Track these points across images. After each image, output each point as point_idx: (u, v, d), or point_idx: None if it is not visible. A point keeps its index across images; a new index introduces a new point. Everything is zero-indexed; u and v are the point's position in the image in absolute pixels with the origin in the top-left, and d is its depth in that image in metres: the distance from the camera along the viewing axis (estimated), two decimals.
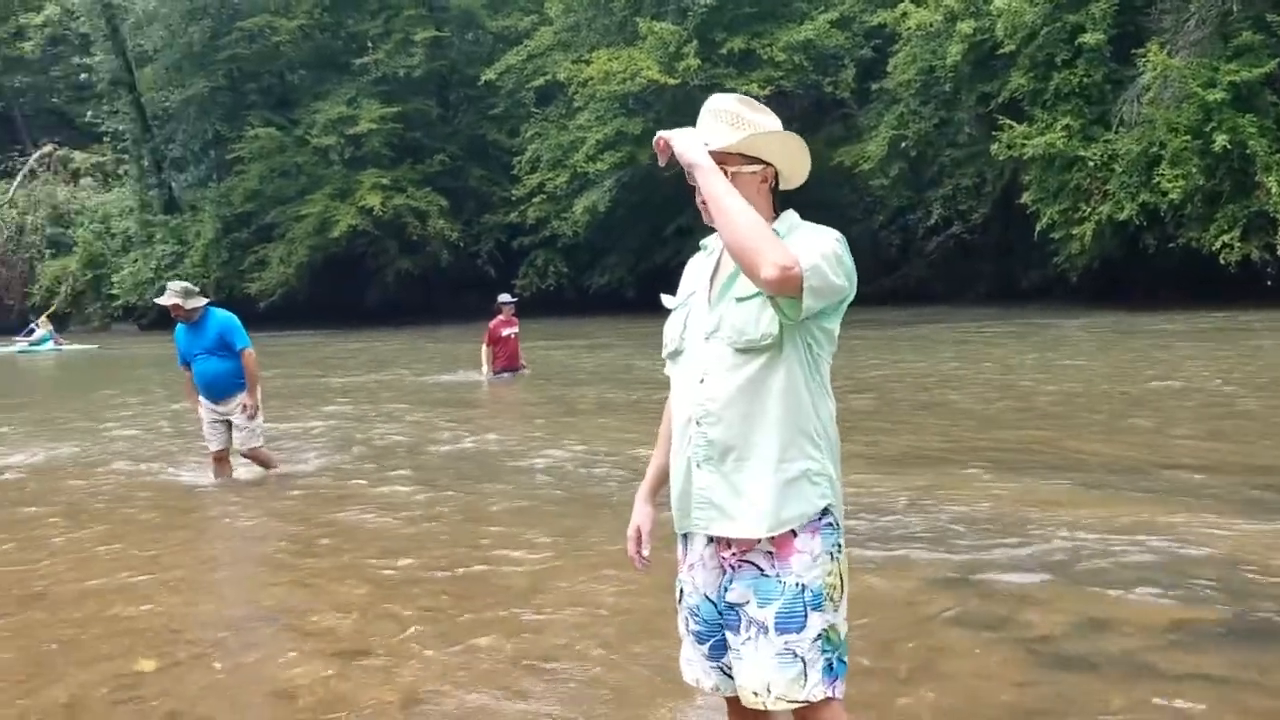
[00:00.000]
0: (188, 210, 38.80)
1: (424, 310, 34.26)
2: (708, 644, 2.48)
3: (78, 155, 44.95)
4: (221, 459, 8.31)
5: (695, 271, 2.57)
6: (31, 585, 5.54)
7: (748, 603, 2.35)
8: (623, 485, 7.26)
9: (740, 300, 2.37)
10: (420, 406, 12.68)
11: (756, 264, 2.19)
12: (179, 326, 8.18)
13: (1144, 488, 6.60)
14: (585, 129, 31.21)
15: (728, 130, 2.42)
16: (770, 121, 2.47)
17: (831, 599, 2.37)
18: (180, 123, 38.75)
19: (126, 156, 42.16)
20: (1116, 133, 22.54)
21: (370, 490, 7.79)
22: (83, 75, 43.29)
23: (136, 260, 38.96)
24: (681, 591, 2.53)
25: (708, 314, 2.41)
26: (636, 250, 32.55)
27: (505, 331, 15.17)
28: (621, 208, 31.15)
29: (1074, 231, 22.95)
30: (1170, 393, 10.81)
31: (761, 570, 2.36)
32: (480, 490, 7.58)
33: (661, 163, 2.39)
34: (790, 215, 2.50)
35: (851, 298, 2.39)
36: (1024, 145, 23.08)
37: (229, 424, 8.22)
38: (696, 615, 2.49)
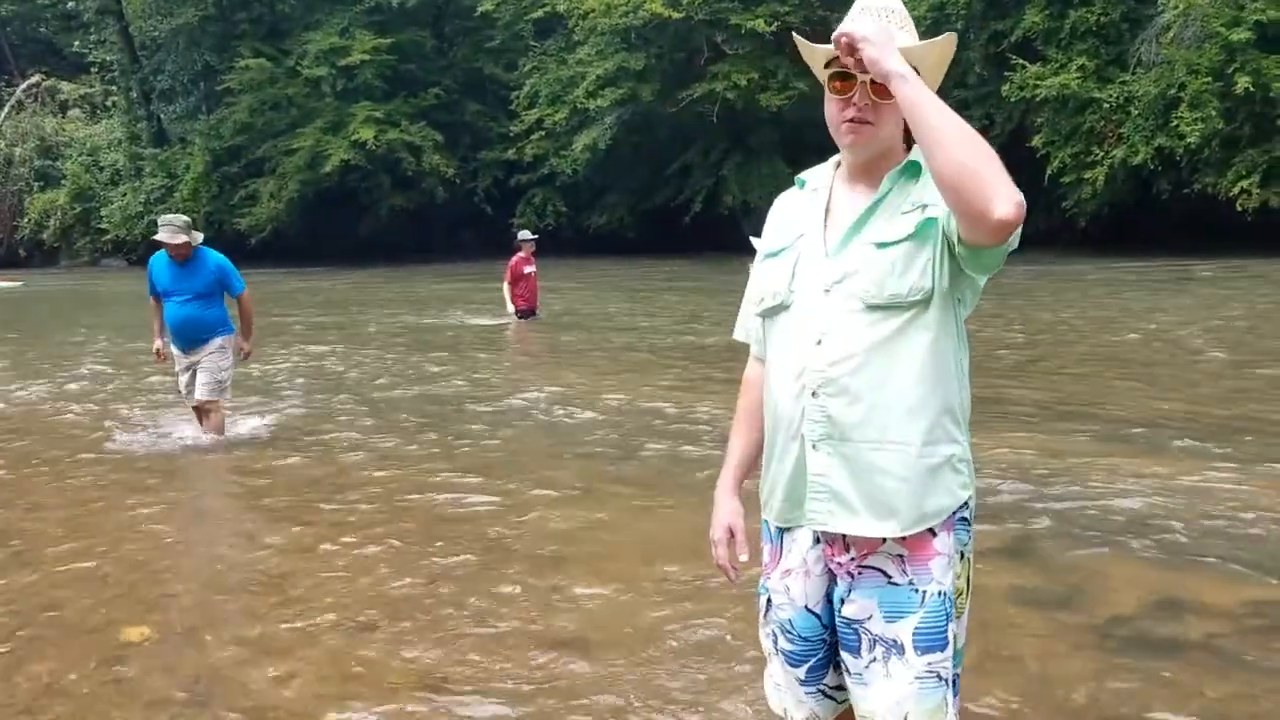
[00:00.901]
0: (177, 143, 37.95)
1: (419, 248, 33.68)
2: (804, 666, 2.08)
3: (65, 86, 43.92)
4: (199, 411, 7.67)
5: (795, 211, 2.14)
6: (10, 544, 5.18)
7: (870, 617, 1.96)
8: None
9: (882, 246, 1.95)
10: (462, 354, 12.15)
11: (989, 199, 1.74)
12: (160, 258, 7.43)
13: (1199, 447, 6.25)
14: (585, 64, 30.46)
15: (895, 31, 1.98)
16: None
17: (958, 605, 2.00)
18: (169, 53, 37.73)
19: (115, 88, 41.18)
20: (1133, 74, 21.96)
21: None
22: (70, 3, 42.09)
23: (125, 194, 38.20)
24: (769, 602, 2.11)
25: (827, 262, 2.00)
26: (637, 190, 31.96)
27: (526, 269, 14.72)
28: (622, 146, 30.50)
29: (1085, 175, 22.47)
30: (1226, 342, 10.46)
31: (889, 577, 1.96)
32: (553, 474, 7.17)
33: (847, 63, 1.93)
34: None
35: None
36: (1037, 86, 22.50)
37: (192, 374, 7.50)
38: (791, 632, 2.08)
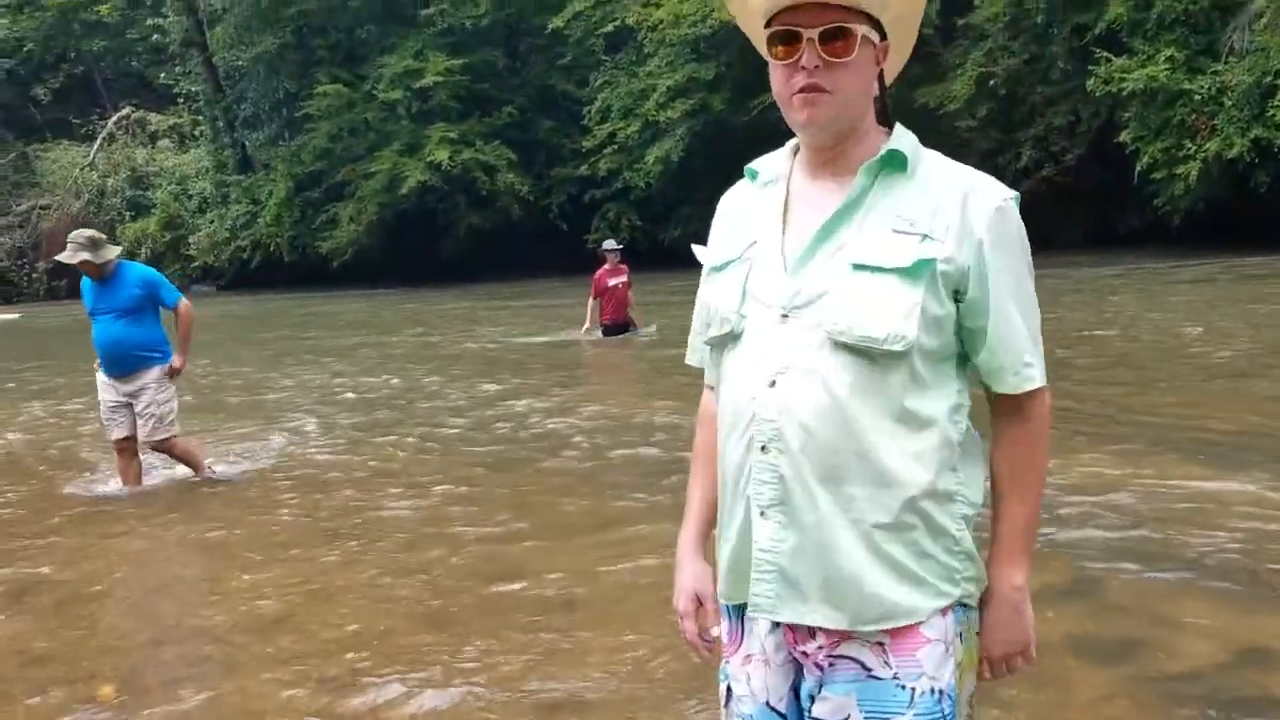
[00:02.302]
0: (261, 170, 38.73)
1: (498, 265, 33.74)
2: None
3: (154, 117, 45.20)
4: (127, 451, 6.93)
5: (746, 212, 1.78)
6: None
7: (848, 717, 1.59)
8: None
9: (860, 269, 1.59)
10: (527, 375, 12.02)
11: None
12: (85, 281, 6.81)
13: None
14: (656, 75, 30.22)
15: None
16: None
17: (959, 697, 1.63)
18: (251, 81, 38.56)
19: (201, 117, 42.23)
20: (1226, 63, 20.86)
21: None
22: (155, 36, 43.35)
23: (213, 221, 39.11)
24: (729, 691, 1.75)
25: (785, 280, 1.63)
26: (711, 201, 30.82)
27: (612, 281, 13.91)
28: (695, 157, 30.12)
29: (1177, 171, 21.39)
30: None
31: (869, 670, 1.59)
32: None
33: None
34: (907, 135, 1.71)
35: None
36: (1123, 80, 21.51)
37: (129, 408, 6.80)
38: None
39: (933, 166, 1.66)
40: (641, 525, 5.32)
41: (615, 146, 31.57)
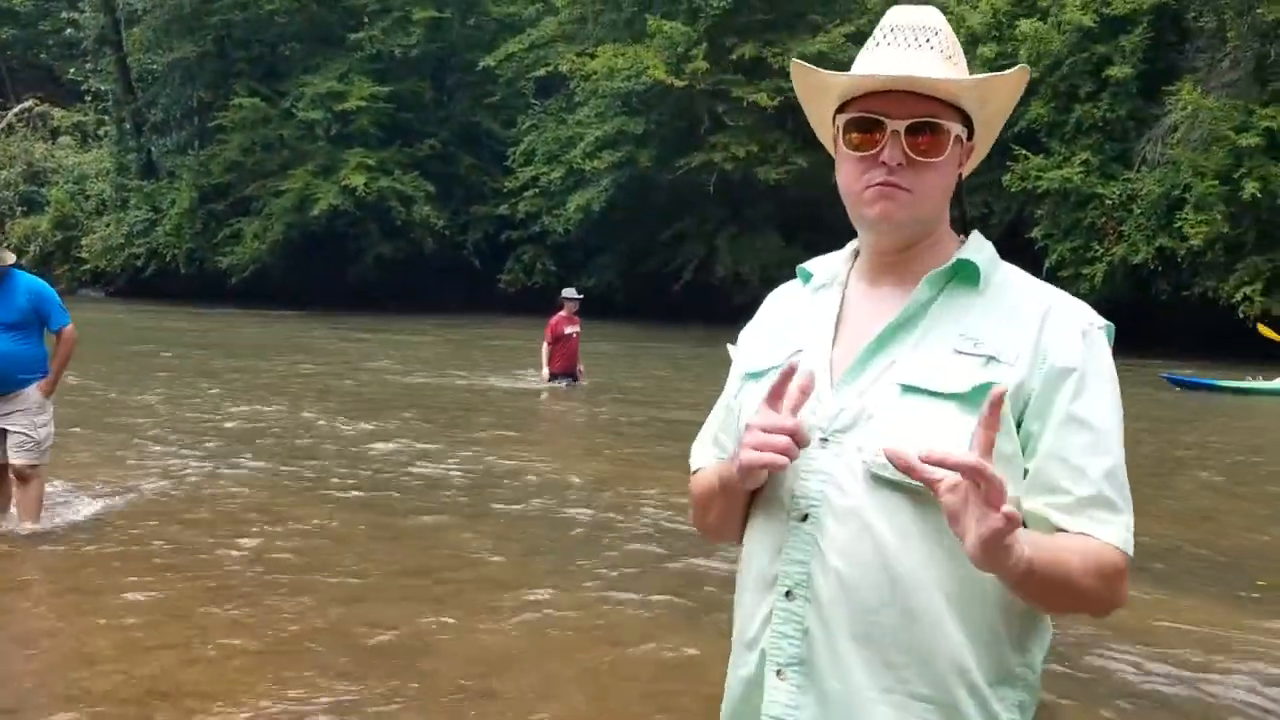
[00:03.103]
0: (165, 177, 37.39)
1: (403, 296, 33.02)
2: None
3: (58, 113, 43.46)
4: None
5: (794, 316, 1.53)
6: None
7: None
8: None
9: (911, 391, 1.35)
10: (477, 423, 11.48)
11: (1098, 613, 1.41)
12: None
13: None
14: (585, 125, 30.21)
15: (938, 61, 1.41)
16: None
17: None
18: (164, 86, 37.27)
19: (107, 117, 40.71)
20: (1138, 172, 21.68)
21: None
22: (68, 31, 41.80)
23: (109, 224, 37.56)
24: None
25: (829, 397, 1.39)
26: (629, 254, 31.47)
27: (567, 329, 13.78)
28: (617, 209, 30.08)
29: (1084, 271, 22.07)
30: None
31: None
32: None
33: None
34: (985, 246, 1.47)
35: None
36: (1039, 178, 22.18)
37: (3, 433, 6.08)
38: None
39: (1009, 282, 1.44)
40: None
41: (537, 190, 31.39)
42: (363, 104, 32.09)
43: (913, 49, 1.40)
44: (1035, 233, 22.95)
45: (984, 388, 1.29)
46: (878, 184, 1.38)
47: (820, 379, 1.39)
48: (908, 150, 1.37)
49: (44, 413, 6.16)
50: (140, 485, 7.38)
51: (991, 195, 24.99)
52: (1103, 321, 1.41)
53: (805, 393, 1.33)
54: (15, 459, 6.09)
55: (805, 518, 1.35)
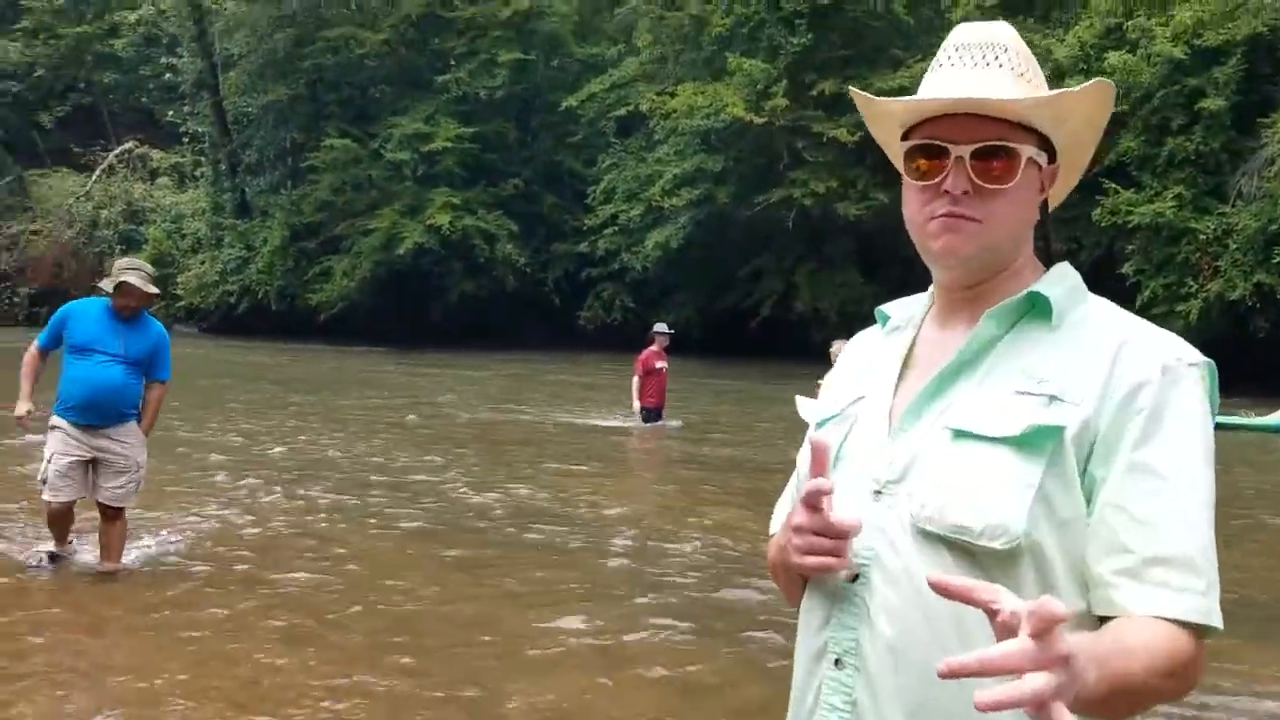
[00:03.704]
0: (258, 216, 38.55)
1: (486, 333, 33.46)
2: None
3: (156, 154, 45.11)
4: (64, 519, 6.14)
5: (868, 361, 1.44)
6: None
7: None
8: None
9: (962, 437, 1.24)
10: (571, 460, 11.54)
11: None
12: (92, 307, 6.04)
13: None
14: (664, 162, 30.38)
15: (1008, 80, 1.30)
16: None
17: None
18: (259, 128, 38.54)
19: (204, 159, 42.15)
20: (1233, 206, 21.03)
21: None
22: (168, 75, 43.46)
23: (204, 262, 38.78)
24: None
25: (886, 446, 1.30)
26: (707, 291, 31.48)
27: (659, 364, 13.69)
28: (695, 246, 30.14)
29: (1178, 308, 21.42)
30: None
31: None
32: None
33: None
34: (1066, 278, 1.35)
35: None
36: (1129, 212, 21.64)
37: (90, 465, 6.00)
38: None
39: (1091, 316, 1.30)
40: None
41: (616, 228, 31.58)
42: (449, 145, 32.71)
43: (979, 69, 1.30)
44: (1126, 268, 22.38)
45: (1043, 431, 1.18)
46: (942, 215, 1.29)
47: (878, 426, 1.31)
48: (974, 177, 1.27)
49: (144, 451, 6.22)
50: (210, 516, 7.58)
51: (1080, 230, 24.44)
52: (1196, 357, 1.27)
53: (824, 492, 1.22)
54: (113, 498, 6.06)
55: (856, 578, 1.25)
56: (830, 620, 1.28)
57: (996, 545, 1.17)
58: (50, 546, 6.33)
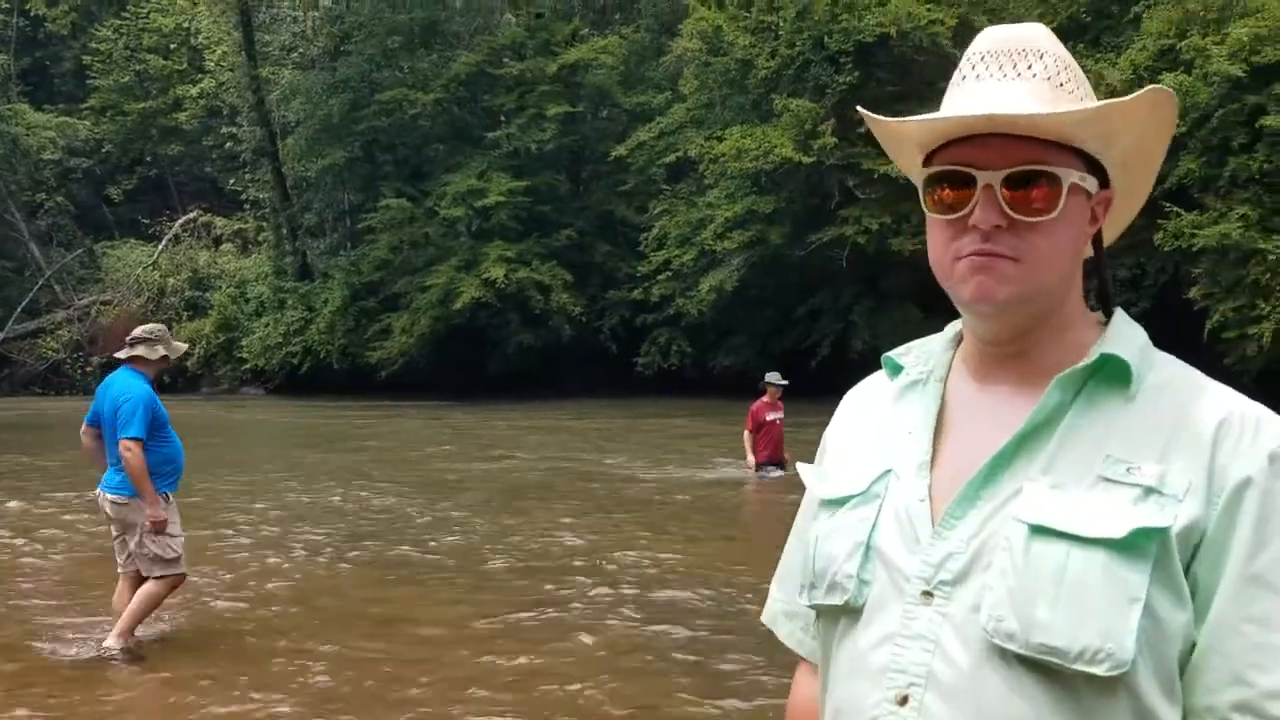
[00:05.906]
0: (319, 277, 39.26)
1: (544, 384, 33.57)
2: None
3: (220, 221, 46.20)
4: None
5: (880, 422, 1.23)
6: None
7: None
8: None
9: (1042, 533, 1.03)
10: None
11: None
12: (143, 381, 6.11)
13: None
14: (714, 206, 30.37)
15: (1044, 90, 1.11)
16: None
17: None
18: (317, 191, 39.39)
19: (265, 224, 43.11)
20: None
21: None
22: (229, 144, 44.64)
23: (268, 324, 39.46)
24: None
25: (929, 537, 1.09)
26: (763, 332, 31.31)
27: (770, 416, 13.17)
28: (749, 288, 30.02)
29: (1250, 331, 20.77)
30: None
31: None
32: None
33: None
34: (1133, 332, 1.18)
35: None
36: (1194, 235, 21.09)
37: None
38: None
39: (1170, 383, 1.12)
40: None
41: (670, 273, 31.59)
42: (501, 199, 33.08)
43: (1009, 80, 1.11)
44: (1194, 293, 21.78)
45: (1146, 533, 1.00)
46: (970, 254, 1.11)
47: (919, 513, 1.10)
48: (1007, 208, 1.09)
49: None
50: (262, 574, 7.54)
51: (1144, 255, 23.88)
52: None
53: None
54: (151, 569, 6.14)
55: (905, 700, 1.05)
56: None
57: (1098, 671, 0.98)
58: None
